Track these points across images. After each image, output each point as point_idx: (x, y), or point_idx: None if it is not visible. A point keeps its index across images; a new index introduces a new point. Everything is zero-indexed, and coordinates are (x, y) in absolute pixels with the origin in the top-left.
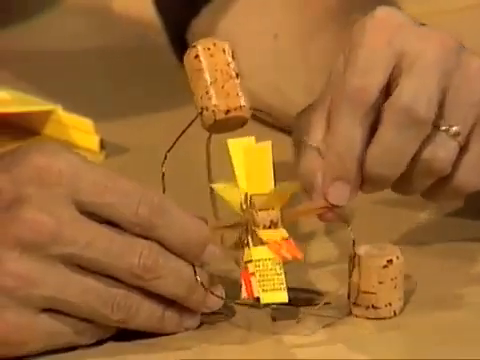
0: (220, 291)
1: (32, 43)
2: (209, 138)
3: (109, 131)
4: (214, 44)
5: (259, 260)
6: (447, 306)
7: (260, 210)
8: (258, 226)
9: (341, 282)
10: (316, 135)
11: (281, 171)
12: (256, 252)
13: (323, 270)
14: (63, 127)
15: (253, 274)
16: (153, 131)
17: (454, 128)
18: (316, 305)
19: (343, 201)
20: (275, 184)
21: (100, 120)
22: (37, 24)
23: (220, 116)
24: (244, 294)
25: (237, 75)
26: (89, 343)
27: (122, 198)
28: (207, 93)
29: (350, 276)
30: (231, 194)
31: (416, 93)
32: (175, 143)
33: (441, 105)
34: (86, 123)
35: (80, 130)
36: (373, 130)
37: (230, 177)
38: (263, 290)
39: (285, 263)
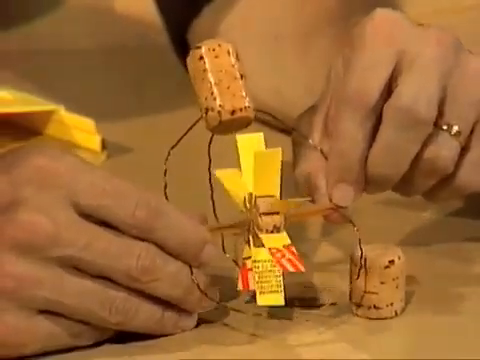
0: (215, 293)
1: (34, 43)
2: (210, 142)
3: (111, 131)
4: (219, 45)
5: (258, 261)
6: (447, 306)
7: (264, 214)
8: (261, 230)
9: (342, 282)
10: (315, 137)
11: (282, 172)
12: (256, 253)
13: (324, 270)
14: (65, 127)
15: (251, 269)
16: (155, 131)
17: (455, 127)
18: (319, 306)
19: (347, 202)
20: (281, 192)
21: (102, 120)
22: (39, 24)
23: (226, 117)
24: (240, 287)
25: (242, 76)
26: (87, 345)
27: (119, 200)
28: (212, 94)
29: (351, 276)
30: (233, 182)
31: (416, 93)
32: (179, 141)
33: (442, 104)
34: (88, 123)
35: (82, 130)
36: (375, 131)
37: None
38: (260, 292)
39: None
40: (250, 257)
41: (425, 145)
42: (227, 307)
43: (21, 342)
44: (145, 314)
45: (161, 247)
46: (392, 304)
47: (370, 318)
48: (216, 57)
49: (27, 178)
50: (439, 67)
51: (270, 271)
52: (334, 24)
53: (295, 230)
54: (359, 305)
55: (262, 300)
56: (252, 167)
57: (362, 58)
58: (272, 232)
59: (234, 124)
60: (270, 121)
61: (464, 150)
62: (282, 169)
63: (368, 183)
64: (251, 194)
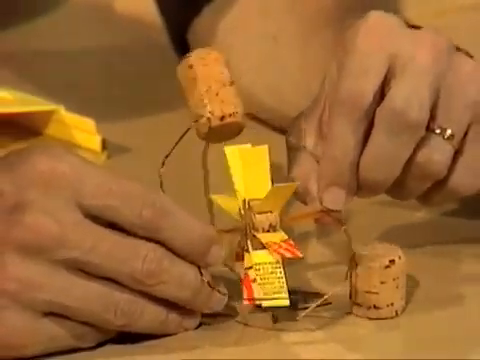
0: (225, 291)
1: (34, 43)
2: (205, 150)
3: (111, 131)
4: (208, 53)
5: (259, 264)
6: (447, 306)
7: (259, 213)
8: (257, 230)
9: (342, 282)
10: (309, 140)
11: (280, 173)
12: (256, 256)
13: (323, 270)
14: (65, 127)
15: (254, 280)
16: (155, 131)
17: (448, 131)
18: (319, 306)
19: (339, 206)
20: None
21: (102, 120)
22: (40, 25)
23: (215, 122)
24: (245, 300)
25: (231, 83)
26: (89, 346)
27: (126, 200)
28: (201, 101)
29: (351, 276)
30: (230, 205)
31: (408, 96)
32: (172, 151)
33: (434, 108)
34: (88, 123)
35: (82, 130)
36: (368, 134)
37: (228, 185)
38: (264, 293)
39: (285, 261)
40: (251, 267)
41: (417, 149)
42: (236, 308)
43: (23, 343)
44: (150, 316)
45: (168, 247)
46: (392, 304)
47: (370, 318)
48: (205, 65)
49: (32, 180)
50: (432, 70)
51: (272, 273)
52: (331, 24)
53: (292, 231)
54: (359, 305)
55: (267, 303)
56: (241, 169)
57: (355, 62)
58: (268, 231)
59: (225, 131)
60: (268, 121)
61: (458, 153)
62: (278, 169)
63: (360, 187)
64: (245, 200)
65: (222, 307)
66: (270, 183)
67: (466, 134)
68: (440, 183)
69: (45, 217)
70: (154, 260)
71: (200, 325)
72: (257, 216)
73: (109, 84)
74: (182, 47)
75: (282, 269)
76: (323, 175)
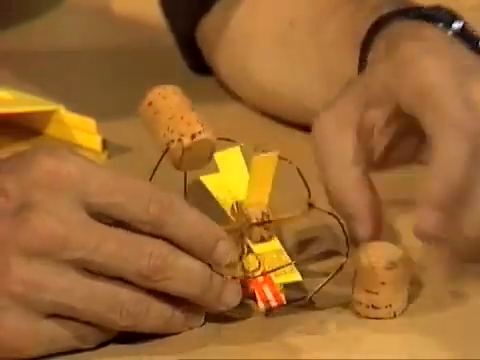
0: (238, 287)
1: (34, 43)
2: (184, 181)
3: (111, 131)
4: (164, 88)
5: (262, 254)
6: (447, 306)
7: (254, 225)
8: (251, 239)
9: (342, 282)
10: (348, 152)
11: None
12: (258, 248)
13: (324, 270)
14: (65, 127)
15: (264, 283)
16: None
17: None
18: (318, 306)
19: (437, 231)
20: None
21: (102, 120)
22: (39, 24)
23: (187, 141)
24: (261, 305)
25: (192, 109)
26: (91, 347)
27: (132, 197)
28: (168, 128)
29: (353, 276)
30: (218, 187)
31: None
32: (152, 175)
33: None
34: (88, 123)
35: (82, 130)
36: None
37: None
38: (275, 274)
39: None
40: (256, 270)
41: None
42: (250, 305)
43: (24, 346)
44: (155, 315)
45: (174, 243)
46: (391, 305)
47: (370, 318)
48: (164, 98)
49: (36, 181)
50: None
51: (276, 257)
52: (347, 6)
53: (293, 230)
54: (359, 305)
55: (278, 279)
56: (249, 172)
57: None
58: (262, 241)
59: (198, 153)
60: (284, 113)
61: None
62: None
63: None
64: (237, 203)
65: (236, 304)
66: (269, 192)
67: None
68: None
69: (50, 218)
70: (160, 256)
71: (202, 325)
72: (249, 209)
73: (109, 84)
74: (189, 48)
75: (286, 255)
76: (428, 194)
